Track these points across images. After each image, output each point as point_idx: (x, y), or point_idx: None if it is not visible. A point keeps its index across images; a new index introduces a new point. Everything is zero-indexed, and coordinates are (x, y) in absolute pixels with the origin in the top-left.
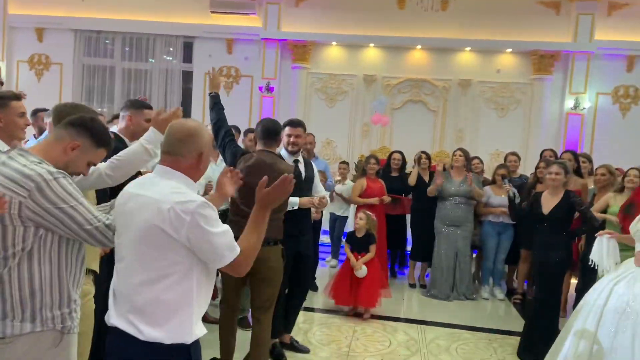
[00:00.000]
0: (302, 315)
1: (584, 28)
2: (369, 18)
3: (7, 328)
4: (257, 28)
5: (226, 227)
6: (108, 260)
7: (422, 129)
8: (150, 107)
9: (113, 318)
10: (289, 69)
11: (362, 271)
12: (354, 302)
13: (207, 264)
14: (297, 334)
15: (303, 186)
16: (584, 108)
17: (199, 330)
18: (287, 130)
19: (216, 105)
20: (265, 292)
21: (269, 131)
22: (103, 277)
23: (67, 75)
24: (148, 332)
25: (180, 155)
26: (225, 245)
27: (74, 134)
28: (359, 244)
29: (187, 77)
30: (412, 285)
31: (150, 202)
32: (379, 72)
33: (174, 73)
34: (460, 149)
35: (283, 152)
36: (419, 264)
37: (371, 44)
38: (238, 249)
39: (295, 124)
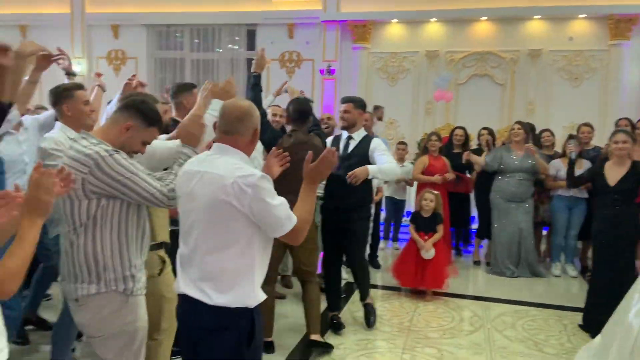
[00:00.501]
0: None
1: None
2: None
3: (78, 290)
4: (317, 11)
5: (282, 199)
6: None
7: (489, 104)
8: (194, 86)
9: (182, 286)
10: (349, 50)
11: (430, 252)
12: (420, 283)
13: (267, 233)
14: (359, 309)
15: (352, 162)
16: None
17: (261, 295)
18: (338, 107)
19: (256, 86)
20: (305, 256)
21: (299, 112)
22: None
23: (141, 68)
24: (216, 297)
25: (238, 134)
26: (284, 215)
27: (127, 115)
28: (425, 224)
29: (251, 64)
30: (477, 263)
31: (215, 177)
32: (441, 47)
33: (239, 61)
34: (519, 122)
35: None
36: (485, 242)
37: (433, 19)
38: (295, 219)
39: (344, 100)
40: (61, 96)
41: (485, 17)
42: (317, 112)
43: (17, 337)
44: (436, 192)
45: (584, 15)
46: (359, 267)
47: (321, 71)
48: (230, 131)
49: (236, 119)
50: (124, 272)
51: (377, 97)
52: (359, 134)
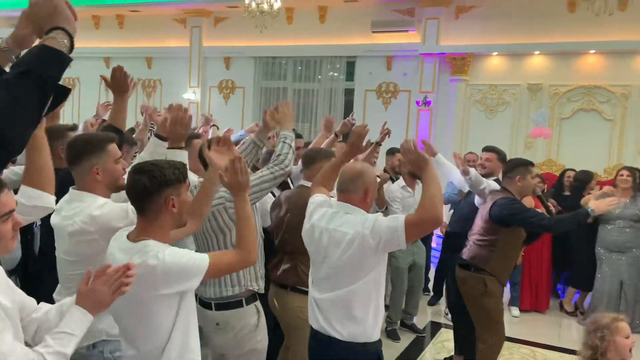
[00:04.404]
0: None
1: None
2: (534, 24)
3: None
4: (415, 44)
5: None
6: None
7: (595, 140)
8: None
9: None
10: (446, 81)
11: None
12: None
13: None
14: (441, 351)
15: None
16: None
17: None
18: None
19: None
20: None
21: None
22: None
23: (248, 96)
24: None
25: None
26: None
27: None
28: None
29: (349, 93)
30: (568, 312)
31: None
32: (545, 80)
33: (337, 91)
34: (627, 168)
35: None
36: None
37: (536, 52)
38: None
39: (488, 149)
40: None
41: (593, 50)
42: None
43: None
44: None
45: None
46: None
47: (417, 102)
48: (344, 189)
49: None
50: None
51: (474, 129)
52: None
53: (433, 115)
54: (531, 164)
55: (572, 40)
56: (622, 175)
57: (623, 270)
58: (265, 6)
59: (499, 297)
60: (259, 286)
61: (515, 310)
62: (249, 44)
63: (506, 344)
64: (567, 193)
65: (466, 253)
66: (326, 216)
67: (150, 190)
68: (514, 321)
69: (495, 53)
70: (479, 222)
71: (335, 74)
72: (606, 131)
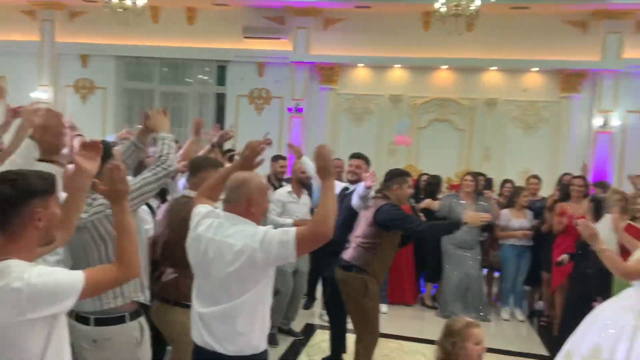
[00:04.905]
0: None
1: (611, 46)
2: (395, 39)
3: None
4: (287, 52)
5: None
6: None
7: (448, 148)
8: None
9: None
10: (317, 90)
11: None
12: None
13: None
14: (317, 352)
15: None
16: (612, 126)
17: None
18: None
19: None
20: None
21: None
22: None
23: (110, 98)
24: None
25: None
26: None
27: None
28: None
29: (220, 98)
30: (427, 306)
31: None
32: (405, 91)
33: (208, 95)
34: (471, 174)
35: None
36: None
37: (397, 65)
38: None
39: (357, 156)
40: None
41: (446, 66)
42: (286, 148)
43: None
44: None
45: (536, 69)
46: None
47: (289, 109)
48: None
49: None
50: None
51: (343, 137)
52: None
53: (305, 122)
54: (408, 174)
55: (427, 56)
56: (466, 180)
57: (469, 265)
58: (128, 2)
59: (376, 297)
60: (145, 297)
61: (384, 307)
62: (110, 41)
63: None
64: (422, 195)
65: (348, 255)
66: (213, 227)
67: (14, 202)
68: (383, 317)
69: (361, 65)
70: (362, 226)
71: (206, 78)
72: (457, 139)
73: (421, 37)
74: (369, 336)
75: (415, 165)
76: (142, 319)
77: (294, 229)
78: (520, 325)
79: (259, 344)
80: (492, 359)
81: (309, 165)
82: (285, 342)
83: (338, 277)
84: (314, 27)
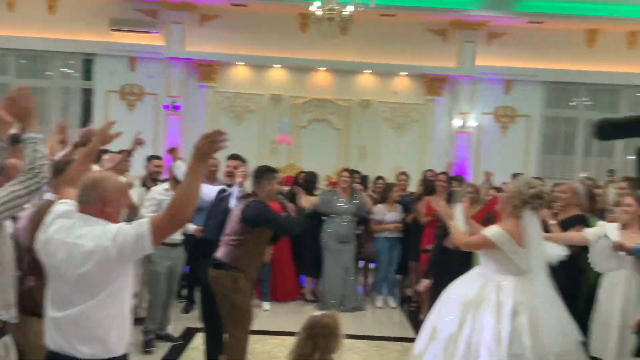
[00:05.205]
0: None
1: (467, 54)
2: (273, 39)
3: None
4: (160, 47)
5: None
6: None
7: (327, 147)
8: None
9: None
10: (195, 87)
11: None
12: None
13: None
14: (198, 356)
15: None
16: (470, 127)
17: None
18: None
19: None
20: None
21: None
22: None
23: None
24: None
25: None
26: None
27: None
28: None
29: (87, 93)
30: (307, 300)
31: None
32: (285, 91)
33: (73, 90)
34: (347, 170)
35: None
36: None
37: (276, 65)
38: None
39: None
40: None
41: (324, 68)
42: (162, 147)
43: None
44: None
45: (405, 73)
46: None
47: (165, 107)
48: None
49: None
50: None
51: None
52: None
53: (183, 120)
54: (275, 170)
55: (305, 57)
56: (343, 176)
57: (347, 258)
58: None
59: (247, 294)
60: (10, 315)
61: (266, 305)
62: None
63: (258, 336)
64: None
65: (220, 253)
66: (64, 228)
67: None
68: (265, 315)
69: (241, 63)
70: (232, 224)
71: (70, 72)
72: (335, 139)
73: (299, 38)
74: (240, 334)
75: (297, 163)
76: (7, 339)
77: (147, 218)
78: (392, 312)
79: (117, 347)
80: (367, 345)
81: (180, 170)
82: (163, 348)
83: (210, 275)
84: (189, 23)
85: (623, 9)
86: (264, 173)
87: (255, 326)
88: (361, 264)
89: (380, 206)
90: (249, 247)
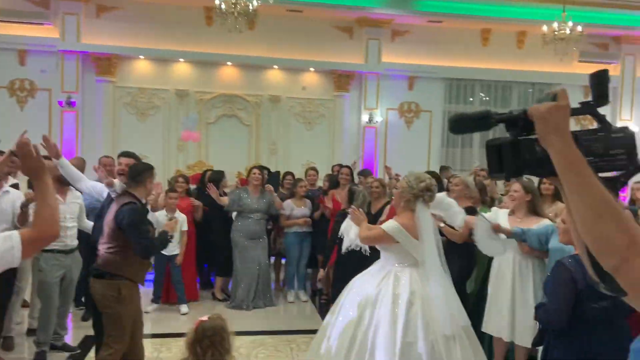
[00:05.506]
0: None
1: (372, 51)
2: (177, 33)
3: None
4: (54, 39)
5: None
6: None
7: (237, 143)
8: None
9: None
10: (92, 82)
11: None
12: None
13: None
14: None
15: None
16: (376, 122)
17: None
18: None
19: None
20: None
21: None
22: None
23: None
24: None
25: None
26: None
27: None
28: None
29: None
30: (218, 299)
31: None
32: (191, 87)
33: None
34: (258, 167)
35: None
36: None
37: (181, 59)
38: None
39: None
40: None
41: (230, 63)
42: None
43: None
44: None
45: (312, 69)
46: None
47: (60, 103)
48: None
49: None
50: None
51: (125, 132)
52: None
53: (79, 116)
54: (152, 167)
55: (211, 52)
56: (254, 173)
57: (258, 254)
58: None
59: (131, 302)
60: None
61: (184, 308)
62: None
63: (167, 339)
64: (206, 191)
65: (99, 261)
66: None
67: None
68: (182, 318)
69: (142, 57)
70: (106, 229)
71: None
72: (245, 135)
73: (204, 32)
74: (118, 345)
75: (206, 160)
76: None
77: (17, 233)
78: (304, 305)
79: None
80: (277, 340)
81: (72, 170)
82: (60, 359)
83: (92, 285)
84: (85, 14)
85: (513, 10)
86: (143, 171)
87: (166, 329)
88: (272, 259)
89: (289, 201)
90: (128, 253)
